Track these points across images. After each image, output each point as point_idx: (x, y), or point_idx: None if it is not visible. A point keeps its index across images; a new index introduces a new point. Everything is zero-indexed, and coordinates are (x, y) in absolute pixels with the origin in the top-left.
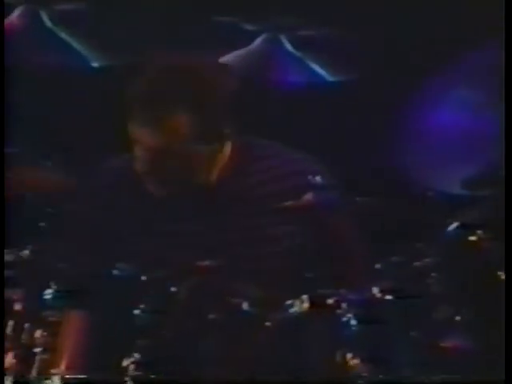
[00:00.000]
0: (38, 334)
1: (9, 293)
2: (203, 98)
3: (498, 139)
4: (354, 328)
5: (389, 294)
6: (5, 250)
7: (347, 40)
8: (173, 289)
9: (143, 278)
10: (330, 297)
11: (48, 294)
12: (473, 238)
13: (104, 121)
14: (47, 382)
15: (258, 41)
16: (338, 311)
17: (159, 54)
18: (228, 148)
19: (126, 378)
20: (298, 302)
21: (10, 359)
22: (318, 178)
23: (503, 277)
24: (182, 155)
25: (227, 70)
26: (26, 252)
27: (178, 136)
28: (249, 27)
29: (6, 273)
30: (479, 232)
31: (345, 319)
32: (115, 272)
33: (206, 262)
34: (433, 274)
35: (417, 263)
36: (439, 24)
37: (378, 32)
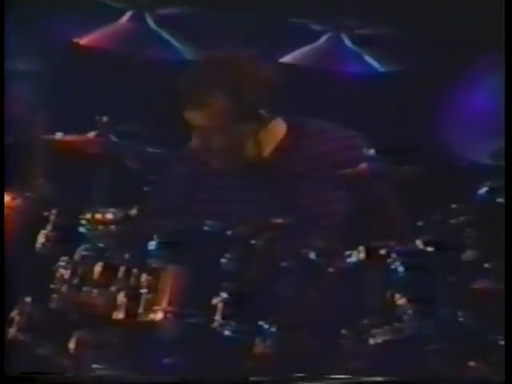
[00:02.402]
0: (143, 277)
1: (120, 244)
2: (240, 84)
3: None
4: (401, 274)
5: (430, 246)
6: (116, 209)
7: (396, 37)
8: (252, 241)
9: (228, 232)
10: (381, 248)
11: (152, 245)
12: (500, 200)
13: None
14: (151, 315)
15: (323, 38)
16: (388, 260)
17: (209, 49)
18: (275, 126)
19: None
20: (355, 253)
21: (121, 298)
22: (370, 151)
23: None
24: (226, 134)
25: (260, 62)
26: (134, 211)
27: (219, 118)
28: (315, 27)
29: (117, 228)
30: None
31: (394, 266)
32: (205, 228)
33: (279, 220)
34: (466, 230)
35: (453, 221)
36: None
37: (423, 30)
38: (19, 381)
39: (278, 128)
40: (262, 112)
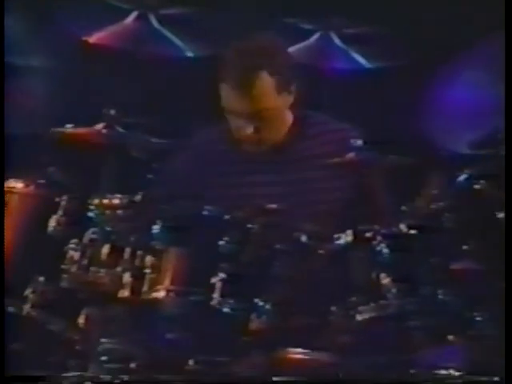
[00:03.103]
0: (147, 258)
1: (126, 228)
2: (277, 62)
3: (496, 112)
4: (386, 255)
5: (413, 229)
6: (122, 195)
7: (382, 35)
8: (248, 225)
9: (226, 217)
10: (367, 231)
11: (155, 228)
12: (477, 187)
13: (196, 97)
14: (154, 294)
15: (314, 37)
16: (374, 242)
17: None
18: (285, 112)
19: None
20: (344, 236)
21: (127, 277)
22: (357, 142)
23: (499, 216)
24: (267, 113)
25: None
26: (139, 197)
27: (263, 92)
28: (307, 27)
29: (123, 212)
30: (482, 182)
31: (379, 248)
32: (205, 212)
33: (273, 205)
34: (446, 214)
35: (434, 205)
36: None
37: (406, 28)
38: (19, 381)
39: (288, 114)
40: (292, 85)
